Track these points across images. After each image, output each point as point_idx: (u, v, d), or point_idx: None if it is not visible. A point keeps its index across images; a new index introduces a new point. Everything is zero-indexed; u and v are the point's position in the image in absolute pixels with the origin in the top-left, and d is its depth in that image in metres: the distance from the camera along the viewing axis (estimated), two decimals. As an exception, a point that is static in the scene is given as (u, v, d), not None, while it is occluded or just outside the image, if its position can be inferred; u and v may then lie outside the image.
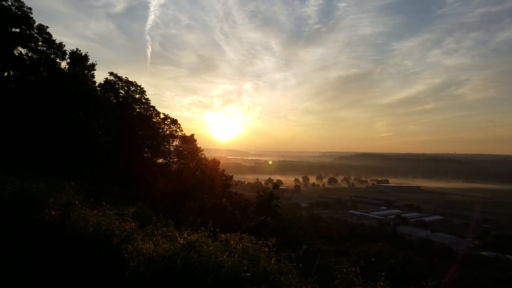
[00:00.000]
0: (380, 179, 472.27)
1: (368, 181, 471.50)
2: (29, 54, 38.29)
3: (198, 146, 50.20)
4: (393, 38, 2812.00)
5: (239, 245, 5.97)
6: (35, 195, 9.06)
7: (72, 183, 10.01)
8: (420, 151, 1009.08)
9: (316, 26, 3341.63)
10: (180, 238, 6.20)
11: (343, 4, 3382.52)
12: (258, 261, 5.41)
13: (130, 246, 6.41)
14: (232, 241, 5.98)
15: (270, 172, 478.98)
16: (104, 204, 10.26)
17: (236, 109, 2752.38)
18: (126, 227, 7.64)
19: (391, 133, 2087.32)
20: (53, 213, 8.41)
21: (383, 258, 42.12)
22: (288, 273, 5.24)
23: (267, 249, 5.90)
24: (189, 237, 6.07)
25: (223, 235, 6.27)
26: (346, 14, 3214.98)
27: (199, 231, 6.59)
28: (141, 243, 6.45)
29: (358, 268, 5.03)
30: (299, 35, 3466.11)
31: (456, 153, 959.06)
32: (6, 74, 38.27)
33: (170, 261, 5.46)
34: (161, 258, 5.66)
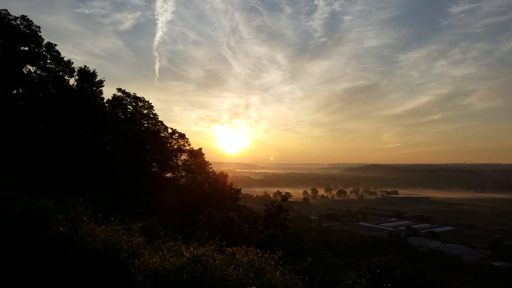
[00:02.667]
0: (389, 190, 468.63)
1: (378, 193, 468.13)
2: (38, 72, 38.76)
3: (206, 160, 50.38)
4: (399, 50, 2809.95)
5: (245, 259, 5.95)
6: (44, 211, 9.11)
7: (80, 199, 10.06)
8: (429, 162, 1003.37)
9: (322, 40, 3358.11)
10: (187, 252, 6.18)
11: (349, 18, 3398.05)
12: (263, 274, 5.36)
13: (137, 261, 6.40)
14: (237, 255, 5.96)
15: (278, 185, 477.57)
16: (113, 219, 10.30)
17: (244, 122, 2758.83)
18: (134, 242, 7.66)
19: (400, 144, 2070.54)
20: (61, 229, 8.44)
21: (394, 270, 41.56)
22: (294, 286, 5.19)
23: (273, 262, 5.89)
24: (195, 251, 6.04)
25: (229, 249, 6.28)
26: (351, 27, 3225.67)
27: (206, 245, 6.59)
28: (147, 257, 6.41)
29: (363, 280, 4.98)
30: (305, 48, 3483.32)
31: (465, 163, 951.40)
32: (15, 92, 38.71)
33: (176, 275, 5.45)
34: (168, 272, 5.63)
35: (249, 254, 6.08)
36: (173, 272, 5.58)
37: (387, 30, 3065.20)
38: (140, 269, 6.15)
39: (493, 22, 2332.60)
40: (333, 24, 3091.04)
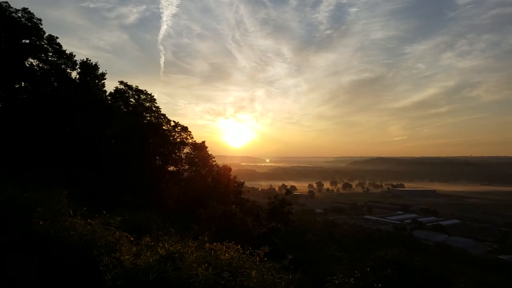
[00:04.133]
0: (395, 184, 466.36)
1: (383, 186, 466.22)
2: (40, 65, 38.61)
3: (210, 153, 50.03)
4: (405, 42, 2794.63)
5: (225, 255, 5.48)
6: (27, 204, 8.71)
7: (65, 192, 9.66)
8: (435, 155, 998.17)
9: (328, 32, 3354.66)
10: (161, 249, 5.70)
11: (354, 9, 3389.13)
12: (241, 273, 4.92)
13: (106, 258, 5.91)
14: (212, 251, 5.47)
15: (284, 178, 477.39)
16: (105, 213, 9.97)
17: (249, 115, 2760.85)
18: (120, 237, 7.26)
19: (406, 137, 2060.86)
20: (41, 223, 8.06)
21: (399, 263, 41.24)
22: (274, 286, 4.75)
23: (258, 259, 5.46)
24: (171, 248, 5.63)
25: (208, 244, 5.83)
26: (357, 19, 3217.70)
27: (186, 240, 6.17)
28: (118, 254, 5.99)
29: (352, 279, 4.56)
30: (311, 41, 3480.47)
31: (472, 155, 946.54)
32: (17, 86, 38.55)
33: (144, 274, 5.04)
34: (138, 271, 5.19)
35: (229, 250, 5.58)
36: (141, 271, 5.14)
37: (393, 22, 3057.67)
38: (109, 266, 5.68)
39: (501, 13, 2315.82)
40: (338, 16, 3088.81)
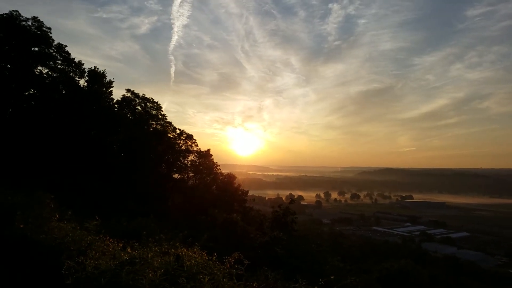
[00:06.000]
0: (404, 195, 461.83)
1: (392, 197, 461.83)
2: (49, 73, 39.02)
3: (215, 161, 50.03)
4: (414, 53, 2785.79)
5: (191, 261, 5.29)
6: (10, 208, 8.63)
7: (52, 196, 9.59)
8: (444, 166, 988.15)
9: (336, 43, 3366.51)
10: (125, 254, 5.60)
11: (363, 21, 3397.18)
12: (198, 279, 4.77)
13: (68, 262, 5.71)
14: (171, 257, 5.34)
15: (291, 187, 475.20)
16: (97, 218, 9.89)
17: (257, 124, 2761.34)
18: (93, 241, 7.13)
19: (414, 148, 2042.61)
20: (21, 226, 8.00)
21: (406, 275, 40.67)
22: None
23: (228, 265, 5.32)
24: (134, 252, 5.52)
25: (173, 250, 5.71)
26: (366, 30, 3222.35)
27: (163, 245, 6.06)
28: (81, 258, 5.79)
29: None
30: (319, 51, 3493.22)
31: (482, 167, 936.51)
32: (26, 93, 38.93)
33: (97, 280, 4.93)
34: (97, 275, 5.06)
35: (195, 256, 5.42)
36: (99, 275, 5.00)
37: (402, 33, 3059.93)
38: (71, 271, 5.48)
39: (511, 25, 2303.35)
40: (347, 27, 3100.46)
